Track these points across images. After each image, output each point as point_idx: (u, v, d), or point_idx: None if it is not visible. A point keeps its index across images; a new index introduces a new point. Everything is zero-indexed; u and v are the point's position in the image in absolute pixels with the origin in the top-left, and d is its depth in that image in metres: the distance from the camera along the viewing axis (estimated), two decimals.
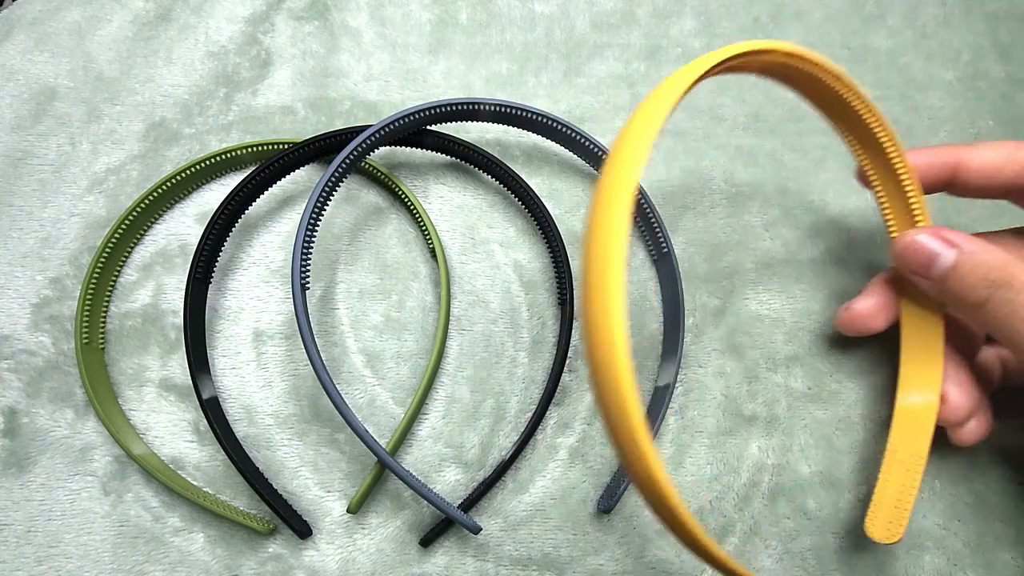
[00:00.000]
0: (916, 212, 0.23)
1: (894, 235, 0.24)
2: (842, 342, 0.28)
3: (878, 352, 0.28)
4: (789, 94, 0.32)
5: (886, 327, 0.25)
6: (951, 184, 0.24)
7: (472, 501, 0.25)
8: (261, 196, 0.28)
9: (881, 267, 0.29)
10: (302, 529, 0.24)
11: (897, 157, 0.23)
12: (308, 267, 0.24)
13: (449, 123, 0.28)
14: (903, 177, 0.23)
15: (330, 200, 0.26)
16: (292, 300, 0.25)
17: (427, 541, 0.25)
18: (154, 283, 0.28)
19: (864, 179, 0.25)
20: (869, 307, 0.25)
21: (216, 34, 0.32)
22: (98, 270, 0.27)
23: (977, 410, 0.23)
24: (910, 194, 0.23)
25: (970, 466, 0.26)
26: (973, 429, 0.23)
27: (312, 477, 0.26)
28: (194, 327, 0.26)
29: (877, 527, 0.23)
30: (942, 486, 0.26)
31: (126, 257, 0.28)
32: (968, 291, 0.20)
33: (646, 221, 0.28)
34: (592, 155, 0.29)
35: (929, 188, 0.24)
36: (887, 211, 0.24)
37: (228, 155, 0.29)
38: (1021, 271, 0.20)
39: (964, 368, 0.24)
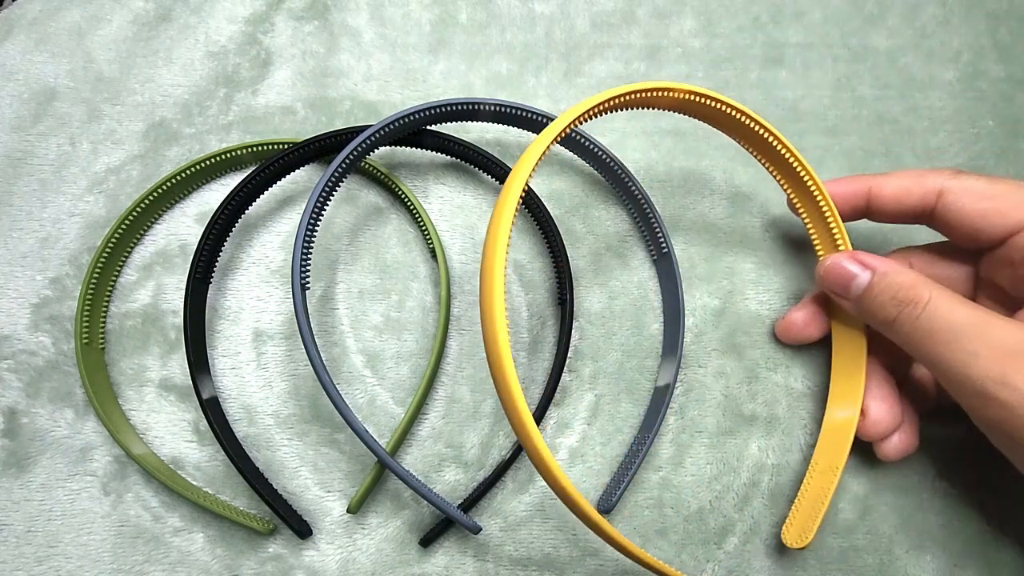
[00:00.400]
0: (837, 237, 0.25)
1: (820, 257, 0.26)
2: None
3: None
4: (789, 93, 0.32)
5: (820, 337, 0.26)
6: (868, 211, 0.25)
7: (472, 501, 0.25)
8: (261, 196, 0.28)
9: None
10: (302, 529, 0.24)
11: (815, 187, 0.25)
12: (308, 267, 0.24)
13: (449, 123, 0.28)
14: (822, 205, 0.25)
15: (330, 200, 0.26)
16: (292, 300, 0.25)
17: (427, 541, 0.25)
18: (154, 283, 0.28)
19: (792, 208, 0.26)
20: (803, 317, 0.26)
21: (216, 34, 0.32)
22: (98, 270, 0.27)
23: (899, 426, 0.24)
24: (830, 220, 0.25)
25: (972, 466, 0.26)
26: (895, 444, 0.24)
27: (312, 477, 0.26)
28: (194, 327, 0.26)
29: (791, 533, 0.24)
30: (943, 487, 0.26)
31: (126, 257, 0.28)
32: (879, 309, 0.22)
33: (646, 221, 0.28)
34: (592, 155, 0.29)
35: (850, 215, 0.25)
36: (813, 236, 0.26)
37: (228, 155, 0.29)
38: (926, 289, 0.21)
39: (888, 384, 0.25)
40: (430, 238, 0.28)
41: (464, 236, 0.29)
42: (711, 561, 0.25)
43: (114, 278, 0.28)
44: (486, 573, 0.25)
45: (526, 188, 0.28)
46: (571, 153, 0.30)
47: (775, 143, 0.25)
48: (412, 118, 0.27)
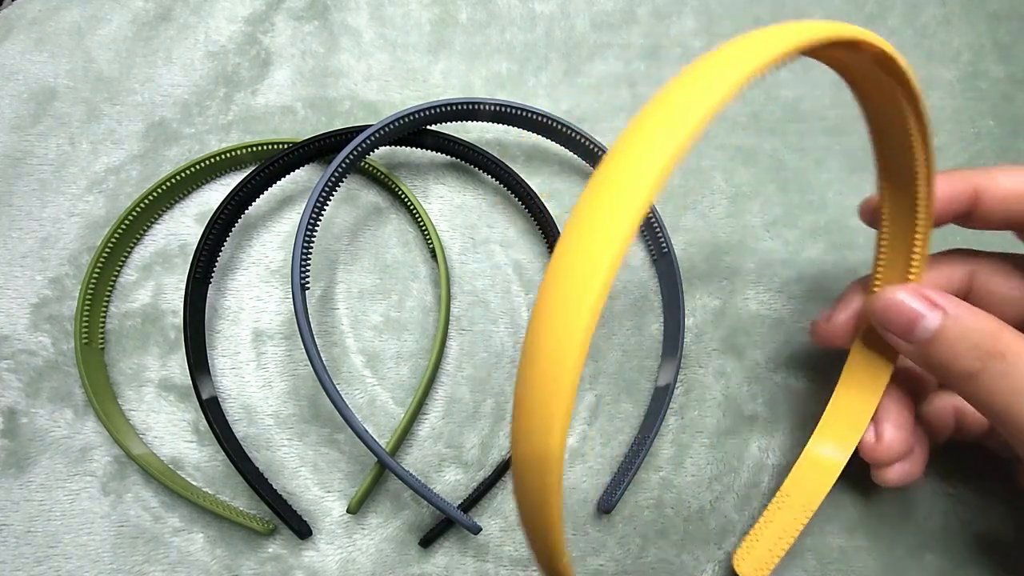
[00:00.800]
0: (914, 263, 0.21)
1: (876, 288, 0.22)
2: None
3: None
4: (789, 93, 0.32)
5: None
6: (969, 216, 0.21)
7: (472, 501, 0.25)
8: (261, 196, 0.28)
9: None
10: (302, 529, 0.24)
11: (923, 201, 0.20)
12: (308, 267, 0.24)
13: (449, 123, 0.28)
14: (919, 224, 0.20)
15: (330, 200, 0.26)
16: (292, 300, 0.25)
17: (427, 541, 0.25)
18: (154, 283, 0.28)
19: (874, 215, 0.22)
20: (845, 322, 0.23)
21: (216, 34, 0.32)
22: (98, 270, 0.27)
23: (909, 454, 0.22)
24: (917, 240, 0.21)
25: (974, 467, 0.26)
26: (898, 472, 0.22)
27: (312, 477, 0.26)
28: (194, 327, 0.26)
29: (746, 563, 0.23)
30: (945, 487, 0.26)
31: (126, 257, 0.28)
32: (955, 360, 0.18)
33: (646, 221, 0.28)
34: (592, 155, 0.29)
35: (940, 220, 0.21)
36: (883, 259, 0.22)
37: (228, 155, 0.29)
38: (1014, 341, 0.18)
39: (907, 410, 0.23)
40: (430, 238, 0.28)
41: (464, 236, 0.29)
42: (711, 561, 0.25)
43: (114, 278, 0.28)
44: (486, 573, 0.25)
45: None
46: (571, 153, 0.30)
47: (914, 132, 0.18)
48: (412, 118, 0.27)
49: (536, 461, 0.12)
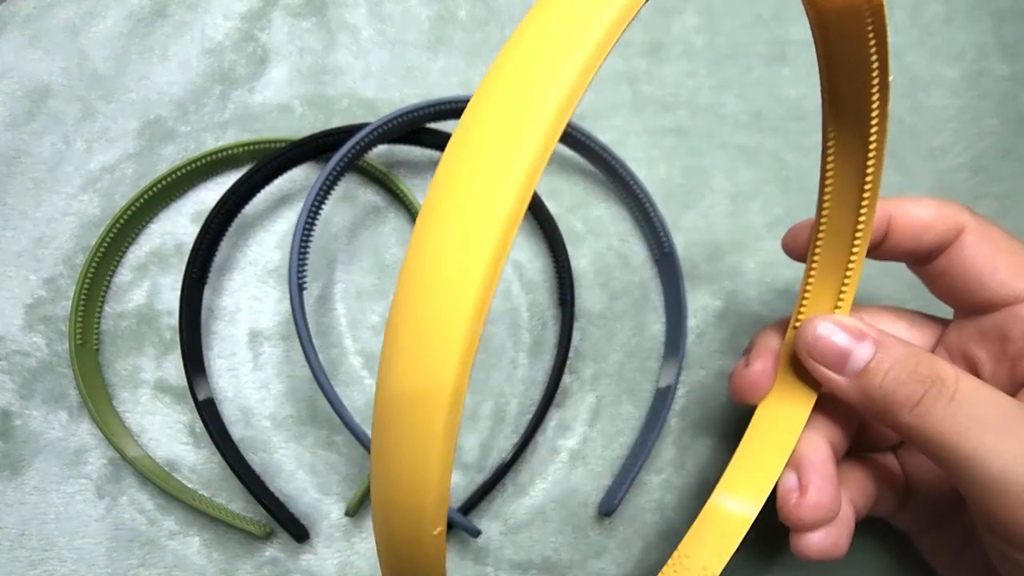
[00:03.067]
0: (844, 292, 0.20)
1: (801, 320, 0.20)
2: None
3: None
4: (792, 91, 0.32)
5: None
6: (879, 244, 0.20)
7: (471, 504, 0.25)
8: (258, 195, 0.28)
9: (882, 268, 0.29)
10: (299, 533, 0.24)
11: (865, 215, 0.18)
12: (305, 267, 0.24)
13: (448, 121, 0.28)
14: (856, 244, 0.19)
15: (328, 199, 0.26)
16: (289, 300, 0.24)
17: None
18: (149, 283, 0.28)
19: (790, 247, 0.22)
20: (762, 369, 0.21)
21: (212, 31, 0.32)
22: (92, 270, 0.26)
23: (832, 519, 0.19)
24: (850, 268, 0.19)
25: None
26: (820, 540, 0.19)
27: (309, 480, 0.25)
28: (189, 328, 0.25)
29: None
30: None
31: (121, 257, 0.28)
32: (897, 389, 0.17)
33: (647, 220, 0.28)
34: (592, 153, 0.28)
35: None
36: (811, 285, 0.20)
37: (224, 153, 0.28)
38: (946, 365, 0.17)
39: (832, 464, 0.20)
40: None
41: None
42: None
43: (108, 278, 0.28)
44: None
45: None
46: (572, 151, 0.30)
47: (877, 96, 0.17)
48: (411, 116, 0.26)
49: (425, 397, 0.09)
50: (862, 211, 0.18)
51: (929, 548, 0.22)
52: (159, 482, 0.24)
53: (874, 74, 0.16)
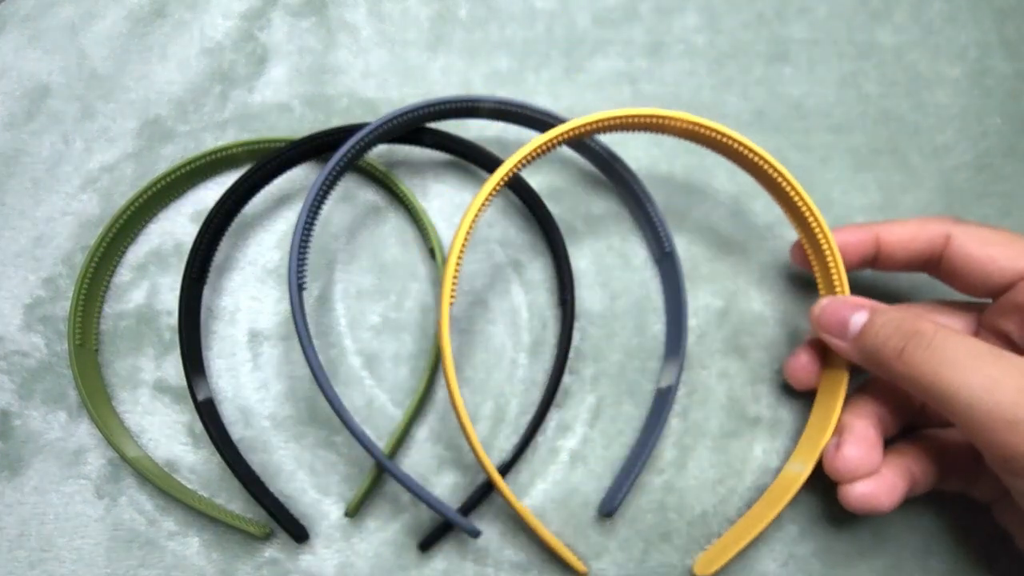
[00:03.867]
0: (836, 285, 0.24)
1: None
2: None
3: None
4: (794, 91, 0.32)
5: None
6: (877, 258, 0.25)
7: (471, 504, 0.24)
8: (257, 195, 0.28)
9: None
10: (299, 533, 0.24)
11: (820, 231, 0.24)
12: (305, 266, 0.24)
13: (448, 120, 0.28)
14: (826, 250, 0.24)
15: (327, 199, 0.26)
16: (289, 300, 0.24)
17: (426, 545, 0.24)
18: (148, 283, 0.28)
19: (798, 256, 0.26)
20: (806, 361, 0.25)
21: (211, 30, 0.32)
22: (92, 270, 0.26)
23: (872, 473, 0.22)
24: (831, 268, 0.24)
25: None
26: (861, 491, 0.22)
27: (309, 480, 0.25)
28: (189, 328, 0.25)
29: (702, 561, 0.24)
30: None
31: (120, 257, 0.28)
32: (884, 344, 0.21)
33: (648, 220, 0.28)
34: (593, 153, 0.28)
35: (858, 264, 0.25)
36: (820, 284, 0.25)
37: (224, 153, 0.28)
38: (929, 322, 0.21)
39: (874, 429, 0.23)
40: (429, 238, 0.27)
41: None
42: None
43: (108, 278, 0.27)
44: None
45: (515, 181, 0.28)
46: (572, 151, 0.29)
47: (782, 182, 0.24)
48: (411, 115, 0.26)
49: None
50: (813, 228, 0.24)
51: (1002, 516, 0.23)
52: (158, 482, 0.24)
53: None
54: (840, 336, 0.23)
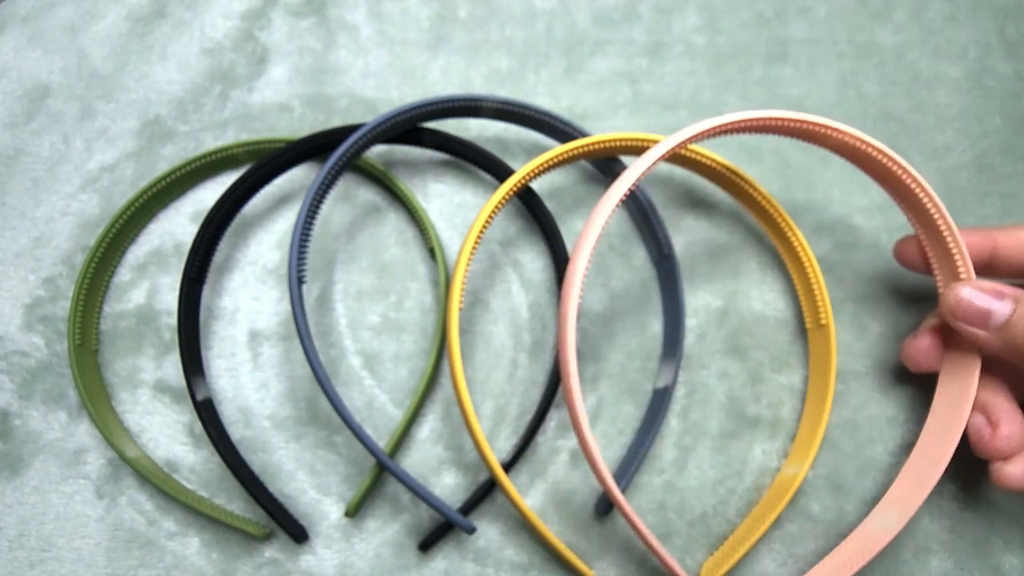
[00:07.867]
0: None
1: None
2: (845, 343, 0.27)
3: None
4: (794, 91, 0.32)
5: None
6: (991, 265, 0.24)
7: (472, 504, 0.24)
8: (257, 195, 0.28)
9: (885, 265, 0.29)
10: (298, 533, 0.24)
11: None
12: (304, 263, 0.24)
13: (448, 120, 0.28)
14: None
15: (326, 198, 0.26)
16: (289, 296, 0.24)
17: (426, 545, 0.24)
18: (148, 283, 0.28)
19: (905, 257, 0.25)
20: (927, 345, 0.24)
21: (211, 30, 0.32)
22: (92, 270, 0.26)
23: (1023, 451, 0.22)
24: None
25: (978, 468, 0.26)
26: (1019, 470, 0.22)
27: (309, 480, 0.25)
28: (188, 328, 0.25)
29: (709, 566, 0.24)
30: (950, 489, 0.26)
31: (120, 257, 0.28)
32: None
33: (647, 221, 0.28)
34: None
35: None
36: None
37: (223, 153, 0.28)
38: None
39: (1016, 404, 0.23)
40: (429, 237, 0.27)
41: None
42: None
43: (108, 278, 0.27)
44: None
45: (522, 188, 0.28)
46: None
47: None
48: (410, 115, 0.26)
49: None
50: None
51: None
52: (158, 483, 0.24)
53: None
54: (981, 326, 0.22)
